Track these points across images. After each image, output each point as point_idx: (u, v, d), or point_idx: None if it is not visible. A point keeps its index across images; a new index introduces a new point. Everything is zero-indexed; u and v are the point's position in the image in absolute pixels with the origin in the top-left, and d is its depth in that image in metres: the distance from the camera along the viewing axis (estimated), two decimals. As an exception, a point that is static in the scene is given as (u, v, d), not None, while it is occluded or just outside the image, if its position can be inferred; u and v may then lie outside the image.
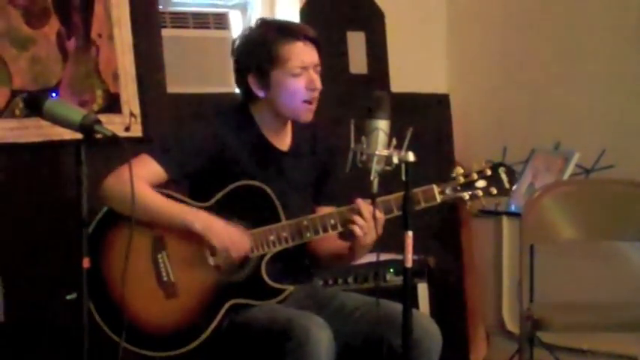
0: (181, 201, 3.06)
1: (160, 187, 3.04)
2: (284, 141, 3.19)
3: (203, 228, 2.96)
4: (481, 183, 3.00)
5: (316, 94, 3.08)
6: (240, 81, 3.14)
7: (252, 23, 3.18)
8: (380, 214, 2.93)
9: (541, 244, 4.31)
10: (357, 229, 2.94)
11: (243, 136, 3.11)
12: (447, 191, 3.00)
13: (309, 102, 3.08)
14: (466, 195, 3.00)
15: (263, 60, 3.06)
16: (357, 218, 2.94)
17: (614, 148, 4.35)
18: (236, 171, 3.07)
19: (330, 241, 3.14)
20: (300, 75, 3.05)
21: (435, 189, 2.99)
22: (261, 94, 3.10)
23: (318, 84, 3.08)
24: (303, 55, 3.05)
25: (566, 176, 4.37)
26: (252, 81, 3.10)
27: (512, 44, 4.97)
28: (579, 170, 4.41)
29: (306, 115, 3.10)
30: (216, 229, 2.97)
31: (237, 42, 3.16)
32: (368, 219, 2.91)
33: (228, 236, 2.96)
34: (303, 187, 3.20)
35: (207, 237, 2.96)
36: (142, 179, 2.92)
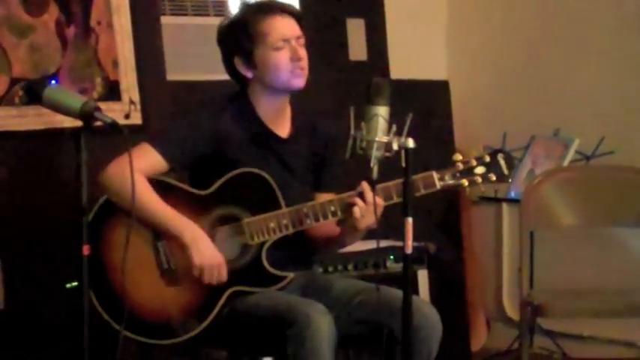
0: (181, 189, 3.06)
1: (161, 174, 3.04)
2: (283, 128, 3.18)
3: (190, 241, 2.95)
4: (480, 169, 3.00)
5: (302, 64, 3.07)
6: (229, 66, 3.14)
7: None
8: (380, 201, 2.93)
9: (541, 231, 4.31)
10: (356, 211, 2.94)
11: (242, 123, 3.11)
12: (447, 178, 3.00)
13: (297, 70, 3.07)
14: (465, 181, 3.00)
15: (244, 40, 3.07)
16: (357, 200, 2.94)
17: (613, 135, 4.35)
18: (235, 158, 3.07)
19: (326, 226, 3.15)
20: (283, 48, 3.05)
21: (435, 175, 2.99)
22: (249, 74, 3.10)
23: (302, 54, 3.07)
24: (282, 28, 3.05)
25: (566, 162, 4.36)
26: (238, 63, 3.10)
27: (512, 31, 4.96)
28: (579, 156, 4.41)
29: (297, 82, 3.08)
30: (202, 248, 2.96)
31: (219, 28, 3.17)
32: (369, 202, 2.91)
33: (209, 259, 2.96)
34: (302, 174, 3.20)
35: (191, 252, 2.95)
36: (142, 171, 2.92)
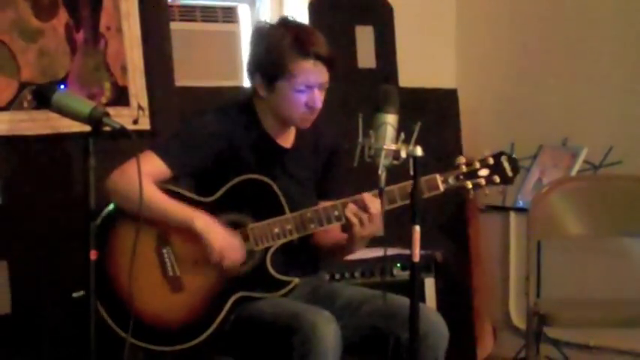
0: (185, 196, 3.07)
1: (164, 182, 3.04)
2: (287, 138, 3.19)
3: (203, 228, 2.96)
4: (484, 172, 3.01)
5: (314, 113, 3.08)
6: (250, 75, 3.14)
7: (273, 20, 3.16)
8: (378, 207, 2.92)
9: (548, 240, 4.31)
10: (352, 218, 2.95)
11: (247, 133, 3.12)
12: (450, 180, 3.00)
13: (307, 116, 3.08)
14: (469, 184, 3.01)
15: (272, 67, 3.04)
16: (357, 211, 2.95)
17: (621, 144, 4.35)
18: (239, 168, 3.08)
19: (332, 233, 3.16)
20: (304, 92, 3.04)
21: (438, 178, 2.99)
22: (263, 94, 3.10)
23: (318, 103, 3.06)
24: (310, 75, 3.03)
25: (573, 172, 4.37)
26: (258, 80, 3.10)
27: (521, 40, 4.96)
28: (587, 166, 4.41)
29: (303, 124, 3.12)
30: (216, 232, 2.97)
31: (254, 36, 3.15)
32: (373, 213, 2.92)
33: (226, 242, 2.97)
34: (305, 183, 3.20)
35: (205, 237, 2.96)
36: (147, 175, 2.92)
